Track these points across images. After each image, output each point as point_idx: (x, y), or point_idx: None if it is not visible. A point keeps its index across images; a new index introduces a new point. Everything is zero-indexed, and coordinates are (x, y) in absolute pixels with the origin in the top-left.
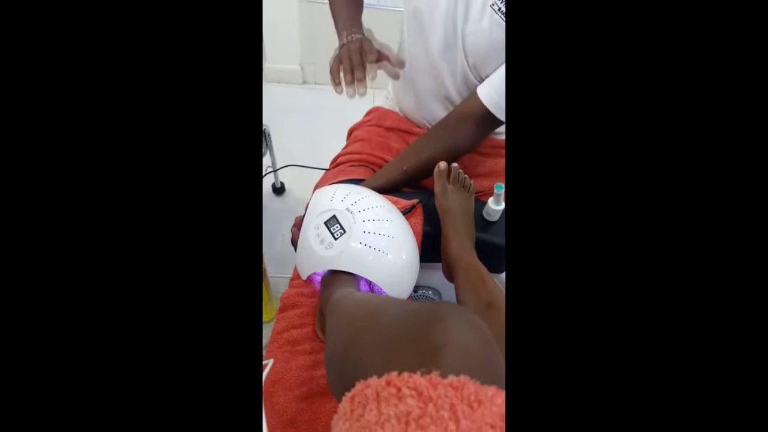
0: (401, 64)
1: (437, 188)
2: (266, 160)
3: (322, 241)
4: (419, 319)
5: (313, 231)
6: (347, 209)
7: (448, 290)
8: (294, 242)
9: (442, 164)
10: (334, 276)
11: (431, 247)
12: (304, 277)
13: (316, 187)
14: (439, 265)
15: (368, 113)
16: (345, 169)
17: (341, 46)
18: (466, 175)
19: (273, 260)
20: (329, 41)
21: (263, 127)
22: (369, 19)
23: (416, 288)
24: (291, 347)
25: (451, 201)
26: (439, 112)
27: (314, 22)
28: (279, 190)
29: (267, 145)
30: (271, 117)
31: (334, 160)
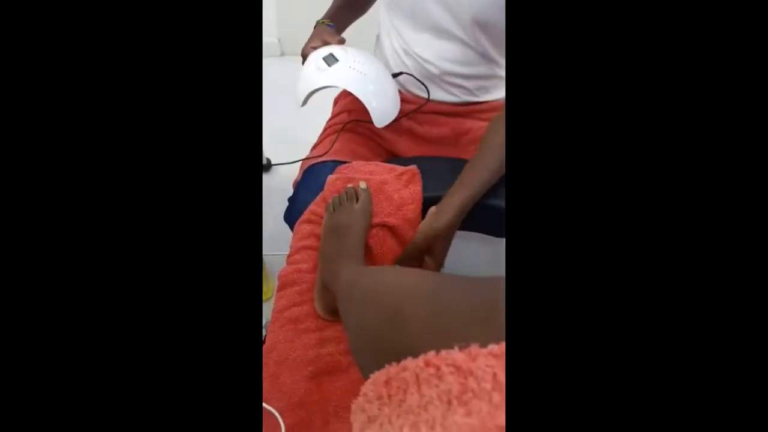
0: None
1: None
2: None
3: (318, 69)
4: (489, 295)
5: (312, 65)
6: (343, 48)
7: (450, 258)
8: (287, 219)
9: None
10: (336, 250)
11: None
12: (300, 102)
13: (304, 163)
14: None
15: None
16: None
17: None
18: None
19: (264, 239)
20: (307, 11)
21: None
22: None
23: None
24: (293, 326)
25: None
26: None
27: None
28: (265, 166)
29: None
30: None
31: (324, 129)
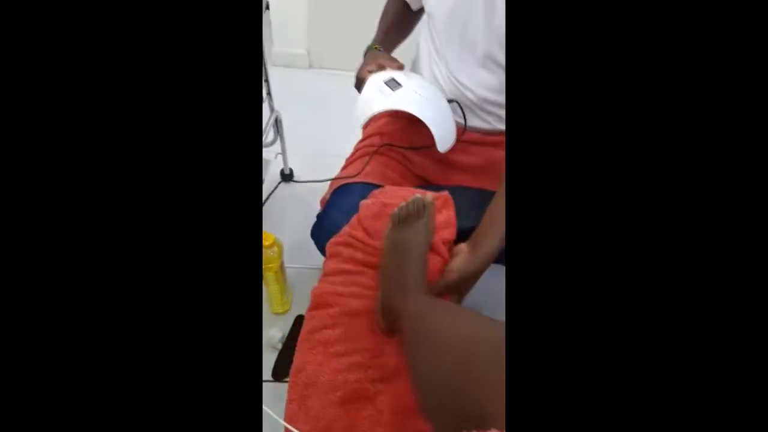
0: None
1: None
2: (276, 147)
3: (381, 92)
4: None
5: (374, 88)
6: (404, 74)
7: (480, 286)
8: (314, 235)
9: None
10: (400, 269)
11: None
12: (360, 123)
13: (334, 182)
14: None
15: None
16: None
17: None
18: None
19: (284, 250)
20: (337, 26)
21: (275, 114)
22: None
23: None
24: (324, 348)
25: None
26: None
27: (322, 7)
28: (288, 176)
29: (278, 132)
30: (275, 101)
31: (355, 150)
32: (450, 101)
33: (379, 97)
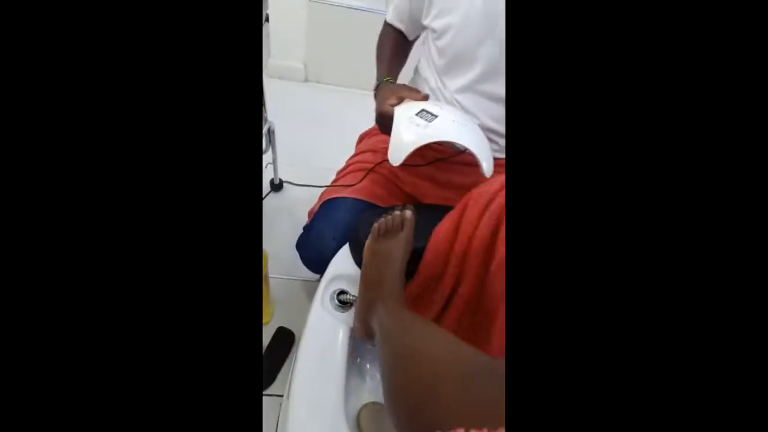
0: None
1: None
2: (267, 157)
3: (417, 125)
4: None
5: (406, 123)
6: (431, 103)
7: None
8: (300, 248)
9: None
10: (378, 278)
11: None
12: (400, 160)
13: (323, 195)
14: None
15: None
16: (359, 176)
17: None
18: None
19: (268, 259)
20: (334, 42)
21: (269, 125)
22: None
23: None
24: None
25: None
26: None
27: (321, 23)
28: (277, 186)
29: (270, 142)
30: (269, 112)
31: (347, 165)
32: None
33: (416, 130)
